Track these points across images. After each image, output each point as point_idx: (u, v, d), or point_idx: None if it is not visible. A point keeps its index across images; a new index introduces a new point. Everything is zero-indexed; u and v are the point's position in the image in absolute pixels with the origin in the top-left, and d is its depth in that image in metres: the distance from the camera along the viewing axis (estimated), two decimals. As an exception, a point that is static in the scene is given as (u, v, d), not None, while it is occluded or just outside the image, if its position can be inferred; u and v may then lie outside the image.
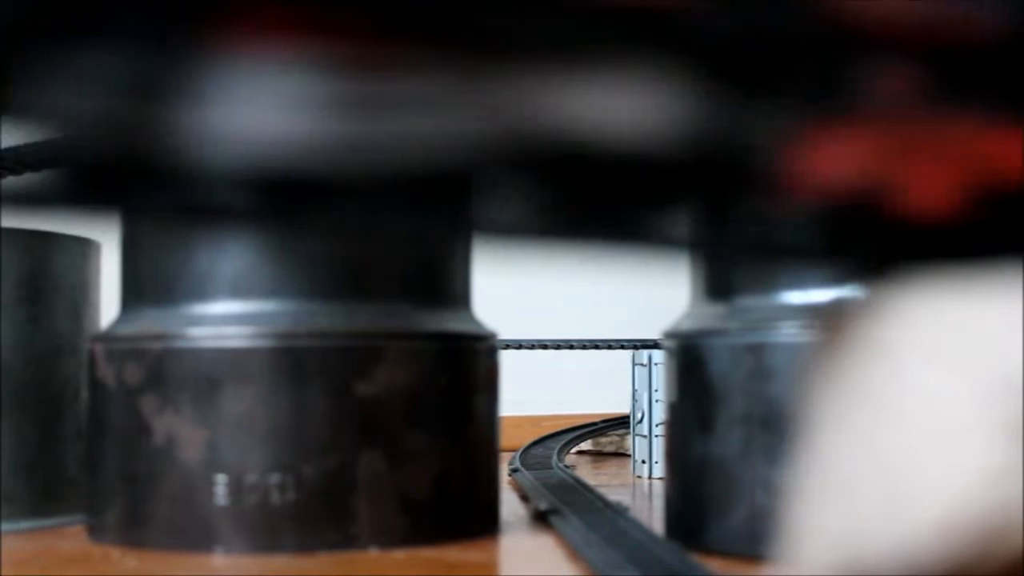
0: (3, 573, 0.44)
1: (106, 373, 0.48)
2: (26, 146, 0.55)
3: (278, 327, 0.46)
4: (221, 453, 0.46)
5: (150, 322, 0.48)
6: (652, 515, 0.55)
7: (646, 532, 0.46)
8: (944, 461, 0.20)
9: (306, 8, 0.17)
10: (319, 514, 0.45)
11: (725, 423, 0.45)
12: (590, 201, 0.21)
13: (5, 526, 0.52)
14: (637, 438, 0.74)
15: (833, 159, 0.20)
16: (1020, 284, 0.21)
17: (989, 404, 0.20)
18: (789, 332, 0.44)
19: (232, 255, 0.47)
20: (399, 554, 0.46)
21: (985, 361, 0.20)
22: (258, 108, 0.17)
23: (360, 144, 0.18)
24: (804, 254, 0.26)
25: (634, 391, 0.75)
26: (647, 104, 0.19)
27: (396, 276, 0.49)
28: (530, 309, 1.04)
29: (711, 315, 0.47)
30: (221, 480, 0.45)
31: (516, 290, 0.99)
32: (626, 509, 0.52)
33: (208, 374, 0.46)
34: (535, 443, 0.82)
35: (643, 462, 0.73)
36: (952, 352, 0.21)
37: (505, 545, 0.49)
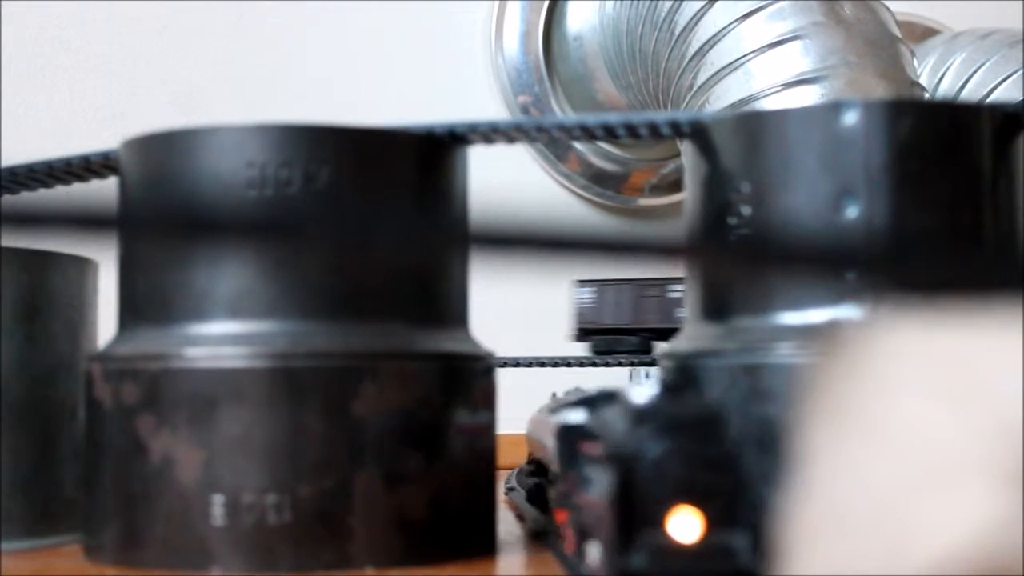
0: (-1, 593, 0.44)
1: (103, 392, 0.48)
2: (22, 166, 0.55)
3: (275, 347, 0.46)
4: (218, 473, 0.46)
5: (147, 342, 0.48)
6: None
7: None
8: (943, 504, 0.20)
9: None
10: (315, 534, 0.45)
11: (721, 444, 0.45)
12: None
13: (2, 545, 0.52)
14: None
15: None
16: (1020, 321, 0.21)
17: (989, 452, 0.20)
18: (786, 353, 0.44)
19: (229, 275, 0.47)
20: (395, 574, 0.46)
21: (984, 405, 0.20)
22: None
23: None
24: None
25: (632, 410, 0.75)
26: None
27: (393, 296, 0.49)
28: (528, 327, 1.04)
29: (707, 336, 0.47)
30: (218, 500, 0.45)
31: (513, 307, 0.99)
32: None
33: (205, 394, 0.46)
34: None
35: (640, 481, 0.73)
36: (950, 391, 0.21)
37: (502, 565, 0.49)
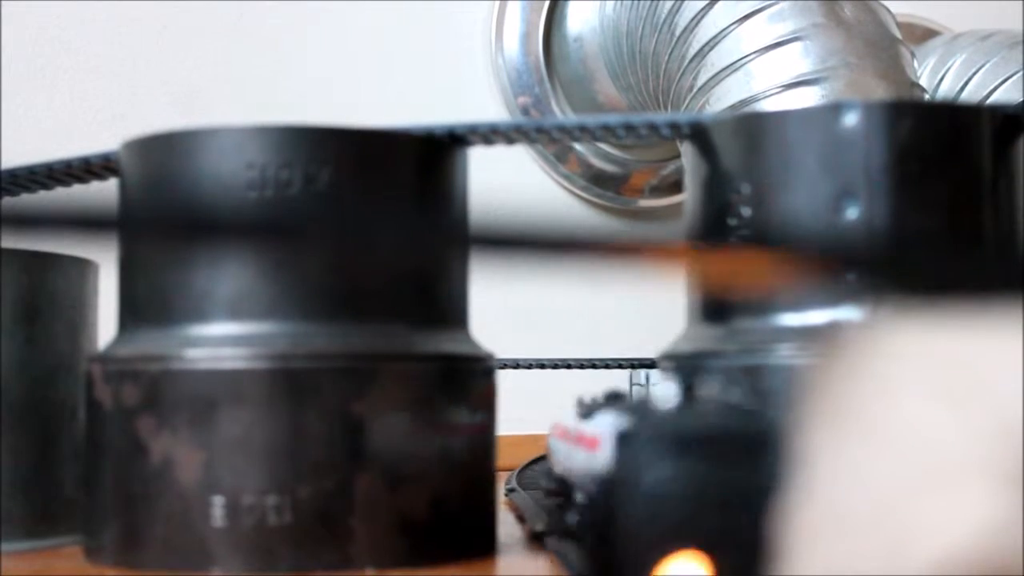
0: (-1, 594, 0.44)
1: (103, 394, 0.48)
2: (22, 168, 0.55)
3: (275, 348, 0.46)
4: (218, 475, 0.46)
5: (147, 343, 0.48)
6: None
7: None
8: (943, 505, 0.20)
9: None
10: (316, 535, 0.45)
11: (722, 444, 0.45)
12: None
13: (2, 546, 0.52)
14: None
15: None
16: (1020, 321, 0.21)
17: (989, 453, 0.20)
18: (786, 354, 0.44)
19: (229, 276, 0.47)
20: (396, 575, 0.46)
21: (984, 405, 0.20)
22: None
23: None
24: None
25: (631, 410, 0.75)
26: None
27: (393, 297, 0.49)
28: (529, 327, 1.04)
29: (708, 337, 0.47)
30: (218, 502, 0.45)
31: (514, 309, 0.99)
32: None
33: (205, 395, 0.46)
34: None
35: (640, 482, 0.73)
36: (951, 392, 0.21)
37: (502, 566, 0.49)
